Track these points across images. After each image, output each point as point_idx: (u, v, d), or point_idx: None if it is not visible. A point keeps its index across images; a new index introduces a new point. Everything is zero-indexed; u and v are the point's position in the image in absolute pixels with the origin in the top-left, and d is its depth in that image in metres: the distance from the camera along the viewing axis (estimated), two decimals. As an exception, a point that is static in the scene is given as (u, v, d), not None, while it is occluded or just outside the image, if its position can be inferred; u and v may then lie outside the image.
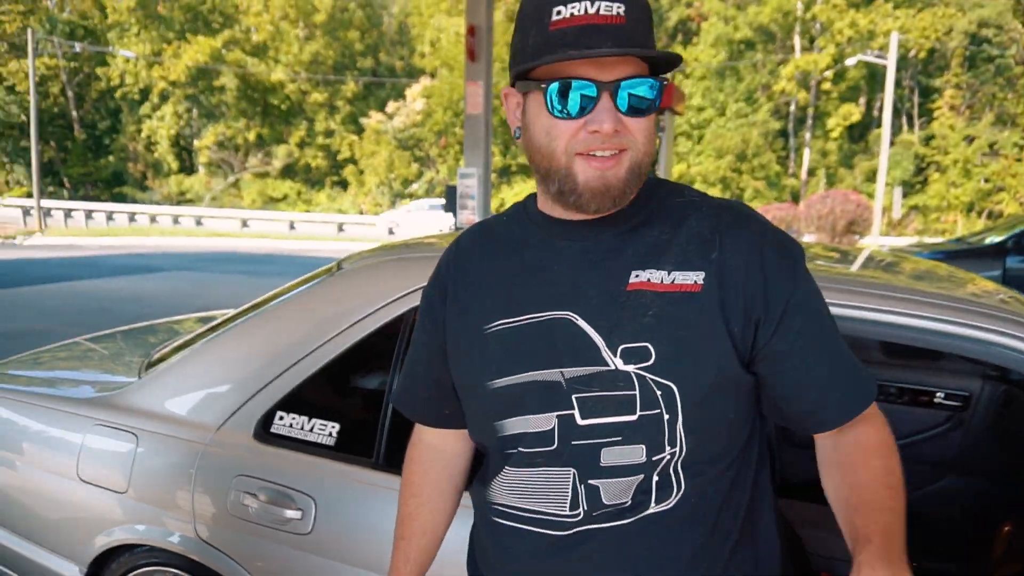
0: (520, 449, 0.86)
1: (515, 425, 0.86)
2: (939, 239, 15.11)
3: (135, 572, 1.72)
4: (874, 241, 17.45)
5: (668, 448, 0.80)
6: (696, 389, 0.80)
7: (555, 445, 0.83)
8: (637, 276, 0.82)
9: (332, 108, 32.52)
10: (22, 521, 1.90)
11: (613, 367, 0.80)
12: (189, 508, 1.61)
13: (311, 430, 1.57)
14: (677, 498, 0.82)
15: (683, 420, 0.80)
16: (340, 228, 23.09)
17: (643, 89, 0.80)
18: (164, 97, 31.55)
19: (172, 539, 1.64)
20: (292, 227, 23.36)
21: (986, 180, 25.66)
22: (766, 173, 28.60)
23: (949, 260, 8.22)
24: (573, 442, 0.82)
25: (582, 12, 0.76)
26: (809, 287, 0.84)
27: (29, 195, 24.08)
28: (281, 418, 1.60)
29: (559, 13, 0.77)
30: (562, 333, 0.83)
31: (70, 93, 32.01)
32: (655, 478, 0.81)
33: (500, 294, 0.89)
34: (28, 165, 23.89)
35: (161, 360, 1.93)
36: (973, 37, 27.06)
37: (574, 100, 0.78)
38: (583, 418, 0.81)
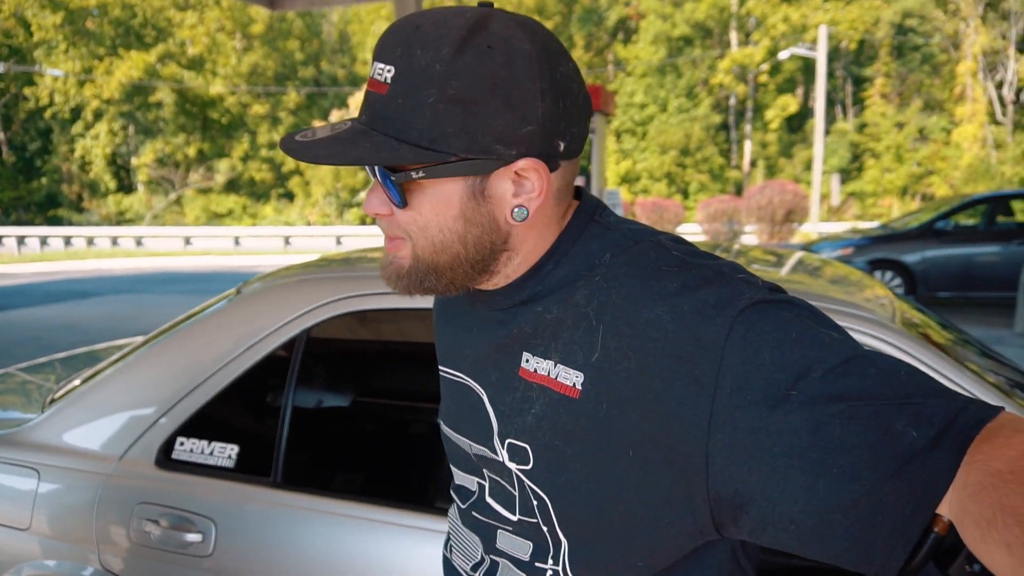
0: (454, 495, 0.86)
1: (456, 472, 0.85)
2: (874, 224, 15.71)
3: (44, 608, 1.71)
4: (813, 228, 18.03)
5: (551, 562, 0.70)
6: (573, 513, 0.68)
7: (466, 507, 0.81)
8: (527, 361, 0.70)
9: (275, 120, 32.03)
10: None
11: (501, 459, 0.73)
12: (92, 539, 1.62)
13: (211, 453, 1.59)
14: None
15: (566, 540, 0.69)
16: (287, 241, 22.76)
17: (385, 182, 0.65)
18: (98, 115, 30.62)
19: (85, 573, 1.64)
20: (237, 243, 22.91)
21: (918, 164, 26.74)
22: (709, 166, 29.26)
23: (876, 245, 8.57)
24: (475, 514, 0.79)
25: (371, 74, 0.66)
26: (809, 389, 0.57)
27: (-43, 223, 23.14)
28: (182, 444, 1.62)
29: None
30: (474, 405, 0.76)
31: (-3, 115, 30.85)
32: None
33: (446, 339, 0.85)
34: (-45, 192, 22.94)
35: (65, 394, 1.92)
36: (899, 27, 28.17)
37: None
38: (489, 496, 0.77)
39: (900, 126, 27.44)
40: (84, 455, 1.68)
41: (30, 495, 1.69)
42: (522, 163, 0.64)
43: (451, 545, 0.87)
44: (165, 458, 1.62)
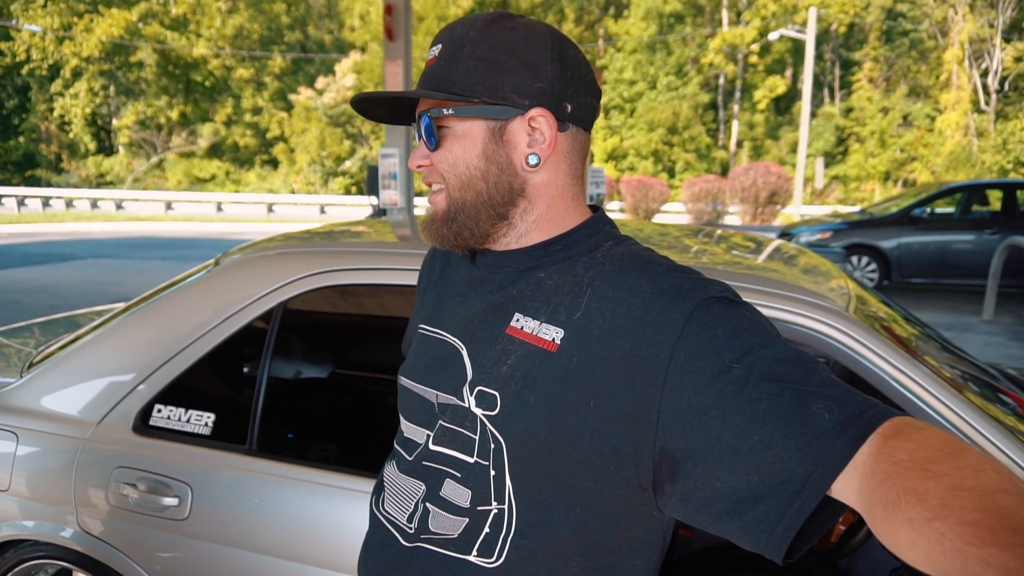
0: (398, 448, 0.92)
1: (406, 426, 0.91)
2: (855, 208, 15.87)
3: (23, 566, 1.76)
4: (795, 211, 18.17)
5: (495, 503, 0.78)
6: (525, 457, 0.75)
7: (412, 458, 0.87)
8: (517, 320, 0.80)
9: (259, 84, 31.50)
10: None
11: (467, 405, 0.80)
12: (71, 502, 1.66)
13: (188, 421, 1.63)
14: (496, 564, 0.78)
15: (512, 482, 0.76)
16: (270, 209, 22.56)
17: (425, 123, 0.81)
18: (77, 74, 29.94)
19: (64, 534, 1.68)
20: (220, 209, 22.66)
21: (901, 150, 26.92)
22: (696, 145, 29.25)
23: (854, 230, 8.68)
24: (424, 462, 0.85)
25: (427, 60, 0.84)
26: (743, 368, 0.65)
27: (-69, 180, 22.62)
28: (159, 411, 1.66)
29: None
30: (450, 359, 0.84)
31: (-28, 70, 30.03)
32: (486, 529, 0.78)
33: (433, 301, 0.95)
34: (-72, 148, 22.39)
35: (44, 359, 1.94)
36: (889, 12, 28.14)
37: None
38: (434, 443, 0.84)
39: (885, 111, 27.55)
40: (62, 419, 1.72)
41: (8, 458, 1.73)
42: (533, 112, 0.78)
43: (384, 496, 0.92)
44: (143, 424, 1.66)
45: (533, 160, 0.79)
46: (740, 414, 0.64)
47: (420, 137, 0.83)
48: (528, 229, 0.83)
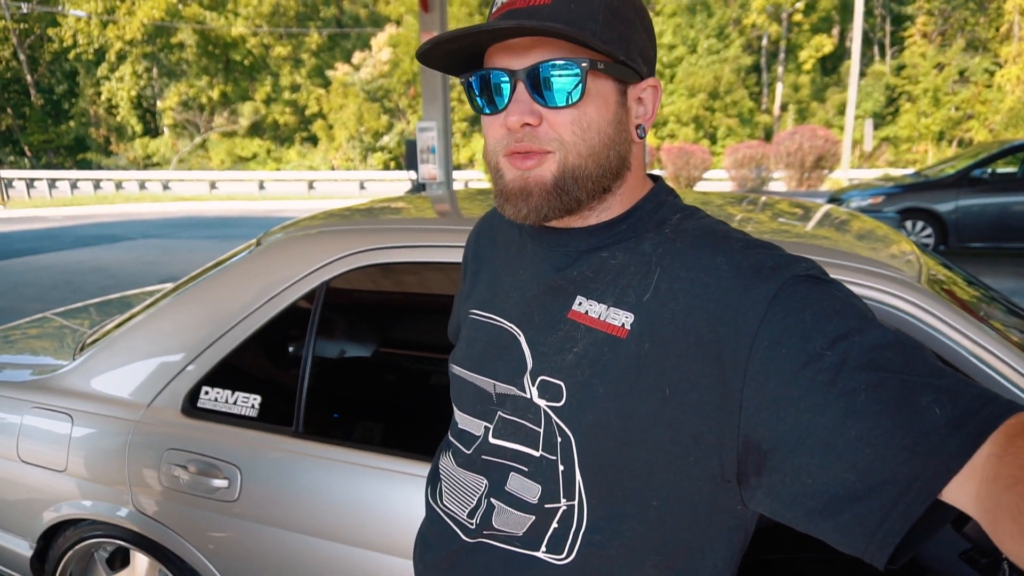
0: (454, 441, 0.86)
1: (461, 417, 0.85)
2: (908, 171, 15.27)
3: (81, 544, 1.80)
4: (843, 175, 17.58)
5: (564, 500, 0.72)
6: (596, 450, 0.69)
7: (470, 452, 0.81)
8: (580, 304, 0.73)
9: (297, 62, 31.65)
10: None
11: (528, 396, 0.74)
12: (126, 482, 1.68)
13: (235, 403, 1.63)
14: (567, 561, 0.72)
15: (582, 477, 0.70)
16: (311, 186, 22.79)
17: (563, 73, 0.67)
18: (121, 57, 30.52)
19: (120, 513, 1.71)
20: (262, 187, 22.99)
21: (956, 108, 25.74)
22: (739, 110, 28.44)
23: (907, 193, 8.34)
24: (483, 456, 0.79)
25: None
26: (839, 347, 0.58)
27: (-11, 166, 23.45)
28: (207, 393, 1.66)
29: (495, 4, 0.72)
30: (507, 346, 0.78)
31: (22, 57, 30.84)
32: (554, 525, 0.73)
33: (485, 285, 0.87)
34: (-16, 135, 23.18)
35: (95, 341, 1.97)
36: (945, -39, 26.74)
37: (492, 92, 0.71)
38: (493, 437, 0.78)
39: (940, 67, 26.32)
40: (114, 402, 1.74)
41: (64, 439, 1.76)
42: (652, 80, 0.73)
43: (440, 489, 0.87)
44: (191, 406, 1.66)
45: (642, 132, 0.74)
46: (833, 407, 0.56)
47: (530, 90, 0.68)
48: (612, 203, 0.75)
